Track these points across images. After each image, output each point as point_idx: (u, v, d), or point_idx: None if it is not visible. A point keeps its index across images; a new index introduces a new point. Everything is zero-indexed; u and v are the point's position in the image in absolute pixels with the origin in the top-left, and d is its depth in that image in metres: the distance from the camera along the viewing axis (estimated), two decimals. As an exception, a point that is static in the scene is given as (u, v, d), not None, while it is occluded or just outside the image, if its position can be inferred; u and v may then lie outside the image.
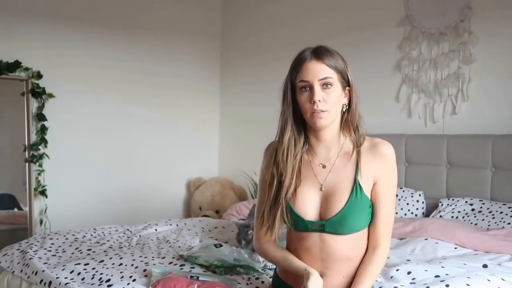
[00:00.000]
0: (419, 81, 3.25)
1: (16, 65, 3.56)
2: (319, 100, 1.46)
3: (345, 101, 1.54)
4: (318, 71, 1.47)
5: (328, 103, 1.48)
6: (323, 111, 1.47)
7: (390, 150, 1.54)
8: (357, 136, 1.55)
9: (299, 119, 1.55)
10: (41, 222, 3.71)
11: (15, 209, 3.79)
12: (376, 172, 1.52)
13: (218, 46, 4.66)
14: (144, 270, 2.00)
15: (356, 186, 1.50)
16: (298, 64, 1.50)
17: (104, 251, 2.37)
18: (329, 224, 1.50)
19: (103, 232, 2.77)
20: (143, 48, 4.19)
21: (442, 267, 1.95)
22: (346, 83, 1.52)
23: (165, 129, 4.35)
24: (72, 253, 2.35)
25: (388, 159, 1.53)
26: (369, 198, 1.53)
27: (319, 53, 1.49)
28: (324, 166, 1.56)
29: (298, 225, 1.54)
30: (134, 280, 1.87)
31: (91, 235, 2.70)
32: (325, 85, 1.47)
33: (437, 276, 1.86)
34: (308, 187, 1.55)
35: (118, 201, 4.07)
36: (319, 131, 1.53)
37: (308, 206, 1.54)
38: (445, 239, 2.39)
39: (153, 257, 2.21)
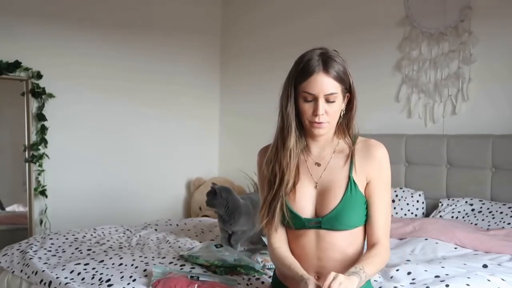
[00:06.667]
0: (419, 81, 3.25)
1: (16, 65, 3.56)
2: (322, 114, 1.47)
3: (343, 106, 1.54)
4: (325, 86, 1.46)
5: (330, 115, 1.49)
6: (323, 122, 1.49)
7: (381, 150, 1.55)
8: (351, 136, 1.57)
9: (298, 118, 1.55)
10: (41, 222, 3.71)
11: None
12: (369, 172, 1.54)
13: (218, 44, 4.65)
14: (144, 270, 2.00)
15: (350, 182, 1.52)
16: (305, 73, 1.47)
17: (104, 251, 2.37)
18: (325, 220, 1.52)
19: (103, 232, 2.77)
20: (143, 46, 4.18)
21: (442, 267, 1.95)
22: (347, 90, 1.52)
23: (166, 129, 4.34)
24: (72, 253, 2.35)
25: (379, 159, 1.54)
26: (364, 195, 1.54)
27: (328, 65, 1.46)
28: (318, 165, 1.58)
29: (295, 223, 1.55)
30: (134, 280, 1.87)
31: (91, 235, 2.70)
32: (329, 99, 1.48)
33: (437, 276, 1.86)
34: (303, 185, 1.56)
35: (118, 201, 4.06)
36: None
37: (304, 203, 1.55)
38: (445, 239, 2.40)
39: (153, 257, 2.20)
